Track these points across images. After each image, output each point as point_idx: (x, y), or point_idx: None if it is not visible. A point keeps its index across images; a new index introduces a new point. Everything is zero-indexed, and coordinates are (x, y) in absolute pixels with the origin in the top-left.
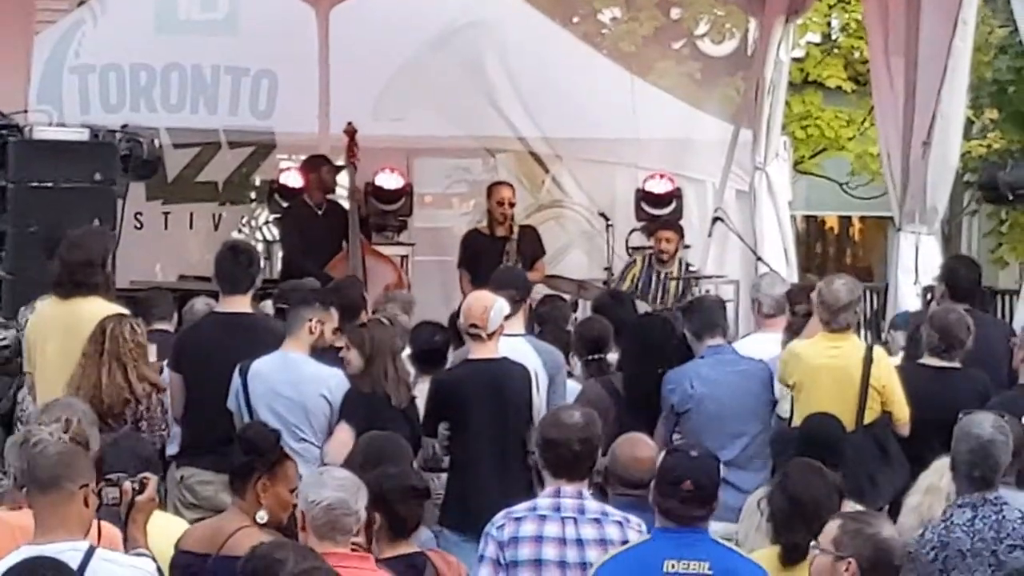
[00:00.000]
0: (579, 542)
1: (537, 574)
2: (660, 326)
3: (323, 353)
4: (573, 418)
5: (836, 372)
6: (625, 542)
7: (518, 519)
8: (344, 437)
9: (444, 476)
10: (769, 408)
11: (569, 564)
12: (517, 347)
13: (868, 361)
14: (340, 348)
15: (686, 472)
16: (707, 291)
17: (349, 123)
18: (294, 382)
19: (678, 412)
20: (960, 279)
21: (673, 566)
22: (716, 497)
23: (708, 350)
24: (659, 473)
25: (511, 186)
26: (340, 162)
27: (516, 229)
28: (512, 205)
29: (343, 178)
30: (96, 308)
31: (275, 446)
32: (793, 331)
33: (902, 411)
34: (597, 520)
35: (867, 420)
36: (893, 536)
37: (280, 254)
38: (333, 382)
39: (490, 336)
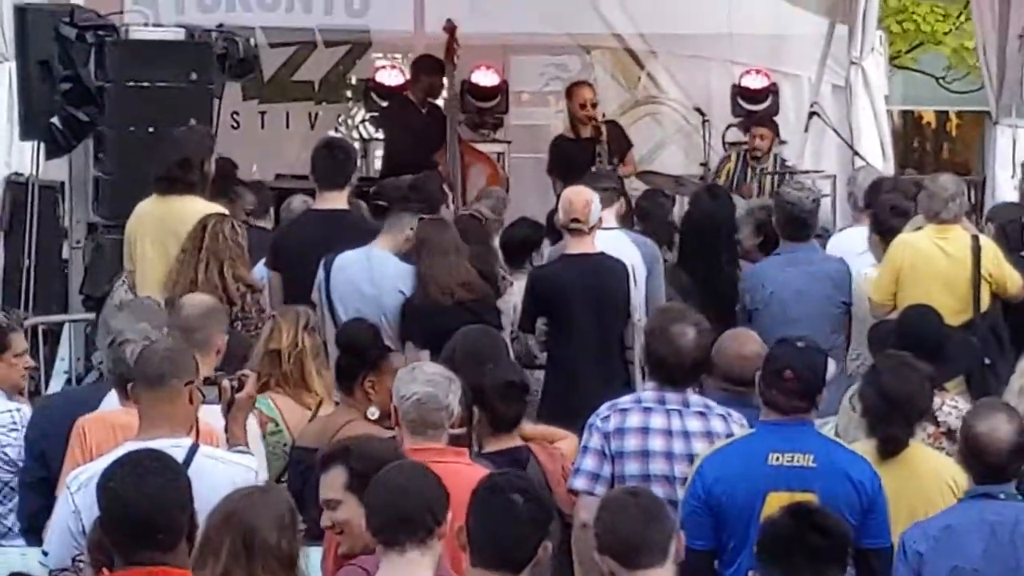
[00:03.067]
0: (685, 434)
1: (644, 464)
2: (716, 214)
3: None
4: (686, 337)
5: (946, 261)
6: (730, 435)
7: (623, 411)
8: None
9: (538, 372)
10: (841, 310)
11: (676, 455)
12: (613, 240)
13: (977, 250)
14: None
15: (789, 362)
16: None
17: (449, 20)
18: (375, 278)
19: (749, 310)
20: None
21: (778, 458)
22: (819, 390)
23: (787, 247)
24: (764, 363)
25: (590, 85)
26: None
27: (604, 128)
28: (595, 105)
29: None
30: (193, 207)
31: (375, 342)
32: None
33: (1015, 284)
34: (702, 413)
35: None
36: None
37: (377, 152)
38: (411, 280)
39: (590, 230)
